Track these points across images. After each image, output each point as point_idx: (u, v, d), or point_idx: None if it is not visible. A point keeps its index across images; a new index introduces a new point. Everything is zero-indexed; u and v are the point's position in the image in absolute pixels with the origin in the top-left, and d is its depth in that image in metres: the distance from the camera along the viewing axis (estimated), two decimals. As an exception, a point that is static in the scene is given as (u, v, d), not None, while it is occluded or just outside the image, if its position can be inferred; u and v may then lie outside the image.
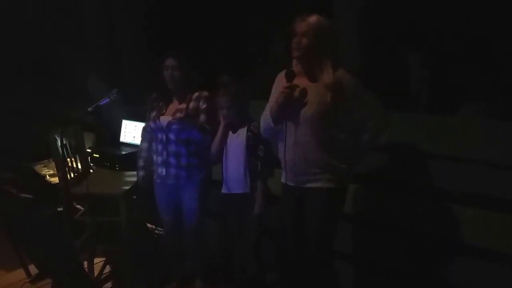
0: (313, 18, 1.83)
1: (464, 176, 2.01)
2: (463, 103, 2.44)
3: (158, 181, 2.39)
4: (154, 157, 2.37)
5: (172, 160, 2.29)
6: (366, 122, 1.87)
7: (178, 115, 2.26)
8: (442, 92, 2.60)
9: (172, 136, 2.26)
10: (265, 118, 1.95)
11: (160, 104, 2.36)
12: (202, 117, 2.29)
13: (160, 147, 2.31)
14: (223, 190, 2.27)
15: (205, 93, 2.33)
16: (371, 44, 2.44)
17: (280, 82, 1.93)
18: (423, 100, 2.75)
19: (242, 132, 2.19)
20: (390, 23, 2.52)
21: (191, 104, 2.31)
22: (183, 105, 2.31)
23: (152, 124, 2.32)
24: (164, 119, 2.29)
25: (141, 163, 2.49)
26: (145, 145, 2.48)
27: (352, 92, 1.84)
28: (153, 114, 2.34)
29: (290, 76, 1.85)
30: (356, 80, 1.85)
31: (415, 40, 2.61)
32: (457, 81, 2.52)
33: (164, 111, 2.33)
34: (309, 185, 1.92)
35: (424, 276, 2.17)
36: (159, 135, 2.30)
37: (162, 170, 2.32)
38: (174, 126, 2.25)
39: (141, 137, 2.53)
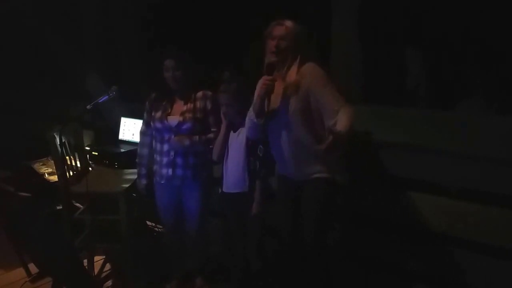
0: (289, 22, 1.89)
1: (462, 172, 2.01)
2: (462, 98, 2.45)
3: (162, 182, 2.35)
4: (157, 158, 2.34)
5: (179, 160, 2.28)
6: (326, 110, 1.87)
7: (188, 115, 2.25)
8: (440, 87, 2.60)
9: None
10: (249, 115, 2.01)
11: (163, 104, 2.31)
12: (211, 119, 2.29)
13: (166, 147, 2.29)
14: (224, 189, 2.26)
15: (209, 93, 2.31)
16: (369, 41, 2.43)
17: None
18: (421, 96, 2.75)
19: (242, 132, 2.17)
20: (387, 19, 2.51)
21: (198, 104, 2.29)
22: (190, 105, 2.28)
23: (158, 125, 2.28)
24: (173, 119, 2.26)
25: (143, 171, 2.44)
26: (146, 151, 2.42)
27: (316, 81, 1.86)
28: (158, 114, 2.29)
29: (270, 69, 1.89)
30: (322, 71, 1.88)
31: (412, 36, 2.61)
32: (455, 77, 2.52)
33: (169, 110, 2.30)
34: (302, 177, 1.96)
35: (422, 272, 2.17)
36: (166, 135, 2.28)
37: (168, 171, 2.30)
38: (184, 126, 2.24)
39: (140, 142, 2.45)
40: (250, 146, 2.15)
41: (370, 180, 2.28)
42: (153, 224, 3.25)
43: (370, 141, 2.23)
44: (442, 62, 2.57)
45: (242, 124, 2.18)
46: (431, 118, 2.16)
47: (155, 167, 2.37)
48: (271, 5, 2.85)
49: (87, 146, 3.22)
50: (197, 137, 2.26)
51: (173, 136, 2.25)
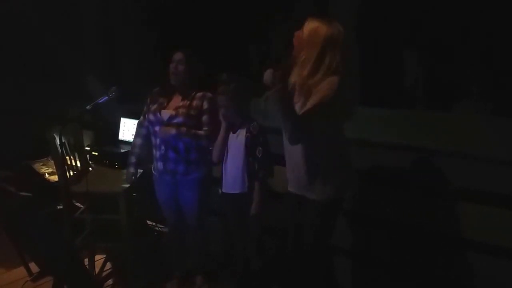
0: (308, 25, 1.77)
1: (461, 172, 2.02)
2: (459, 99, 2.46)
3: (157, 175, 2.39)
4: (153, 151, 2.37)
5: (170, 154, 2.30)
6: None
7: (181, 110, 2.27)
8: (438, 88, 2.61)
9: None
10: None
11: (162, 98, 2.35)
12: (205, 118, 2.30)
13: (158, 140, 2.31)
14: (223, 190, 2.27)
15: (209, 95, 2.33)
16: (367, 43, 2.44)
17: None
18: (420, 97, 2.76)
19: (241, 133, 2.18)
20: (384, 21, 2.53)
21: (194, 102, 2.31)
22: (186, 102, 2.30)
23: (152, 117, 2.31)
24: (166, 113, 2.29)
25: (132, 159, 2.48)
26: (139, 141, 2.47)
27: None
28: (154, 107, 2.33)
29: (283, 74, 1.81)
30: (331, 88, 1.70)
31: (410, 37, 2.62)
32: (453, 78, 2.53)
33: (165, 105, 2.33)
34: (305, 194, 1.91)
35: (424, 272, 2.18)
36: (157, 128, 2.30)
37: (160, 164, 2.33)
38: (175, 120, 2.26)
39: (135, 132, 2.50)
40: (250, 147, 2.16)
41: (369, 182, 2.29)
42: (153, 224, 3.26)
43: (368, 143, 2.24)
44: (440, 63, 2.58)
45: (241, 125, 2.20)
46: (429, 119, 2.17)
47: (153, 160, 2.41)
48: (271, 7, 2.87)
49: (87, 146, 3.23)
50: (184, 129, 2.24)
51: (161, 127, 2.27)
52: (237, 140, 2.20)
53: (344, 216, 2.28)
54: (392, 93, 2.56)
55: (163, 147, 2.29)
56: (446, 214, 2.07)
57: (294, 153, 1.89)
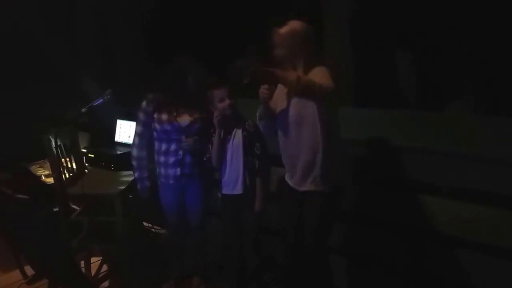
0: (284, 28, 1.86)
1: (454, 171, 2.03)
2: (451, 99, 2.48)
3: (171, 182, 2.34)
4: (162, 158, 2.32)
5: (187, 159, 2.29)
6: None
7: (196, 116, 2.27)
8: (431, 89, 2.63)
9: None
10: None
11: (169, 105, 2.29)
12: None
13: (173, 147, 2.29)
14: (223, 191, 2.27)
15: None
16: (361, 43, 2.46)
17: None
18: (413, 97, 2.78)
19: (238, 133, 2.19)
20: (378, 22, 2.54)
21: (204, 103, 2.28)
22: (197, 105, 2.28)
23: (167, 126, 2.26)
24: (183, 120, 2.27)
25: (144, 173, 2.41)
26: (145, 153, 2.40)
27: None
28: (164, 115, 2.27)
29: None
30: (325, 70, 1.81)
31: (403, 39, 2.64)
32: (445, 78, 2.55)
33: (175, 112, 2.28)
34: (303, 188, 1.95)
35: (419, 271, 2.19)
36: (174, 136, 2.28)
37: (176, 171, 2.30)
38: (196, 126, 2.26)
39: (138, 144, 2.38)
40: (247, 146, 2.17)
41: (364, 182, 2.30)
42: (150, 225, 3.27)
43: (362, 144, 2.25)
44: (433, 63, 2.60)
45: (236, 126, 2.20)
46: (422, 119, 2.18)
47: (159, 168, 2.36)
48: (264, 9, 2.88)
49: (83, 148, 3.23)
50: (207, 137, 2.25)
51: (183, 137, 2.25)
52: (234, 142, 2.20)
53: (342, 217, 2.29)
54: (385, 93, 2.57)
55: (180, 153, 2.29)
56: (440, 213, 2.08)
57: (297, 146, 1.91)
